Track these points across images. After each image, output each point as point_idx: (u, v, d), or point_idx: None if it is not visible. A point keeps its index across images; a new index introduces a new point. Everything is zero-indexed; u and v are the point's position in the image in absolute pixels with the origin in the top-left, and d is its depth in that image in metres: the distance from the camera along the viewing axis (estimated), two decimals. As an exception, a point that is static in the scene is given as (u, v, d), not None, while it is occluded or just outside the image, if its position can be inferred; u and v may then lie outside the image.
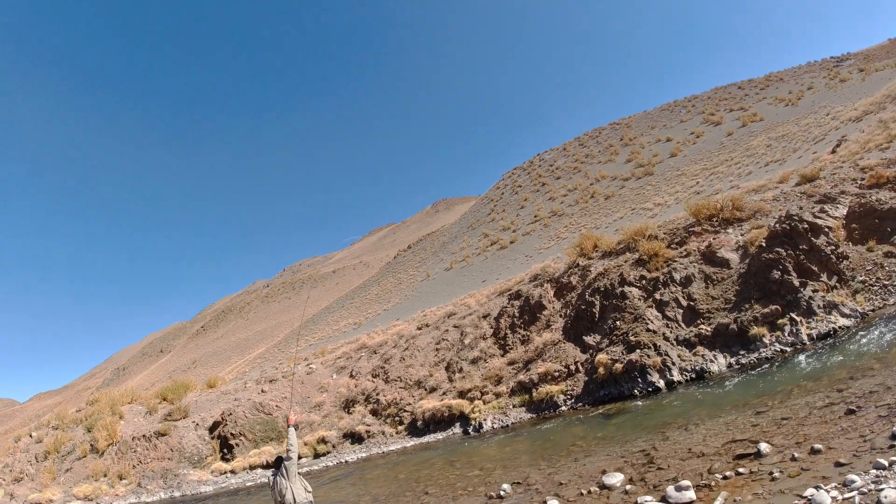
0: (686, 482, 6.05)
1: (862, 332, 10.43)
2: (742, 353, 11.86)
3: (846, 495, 4.68)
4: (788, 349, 11.21)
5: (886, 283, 11.81)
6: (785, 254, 12.50)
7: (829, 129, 29.73)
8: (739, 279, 13.19)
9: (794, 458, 5.92)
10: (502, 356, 16.73)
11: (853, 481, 4.86)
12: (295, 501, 5.82)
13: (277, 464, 6.11)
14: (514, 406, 14.54)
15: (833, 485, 4.97)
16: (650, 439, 8.60)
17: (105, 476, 17.37)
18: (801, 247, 12.55)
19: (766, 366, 10.91)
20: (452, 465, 11.30)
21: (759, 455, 6.35)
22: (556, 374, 14.41)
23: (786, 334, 11.52)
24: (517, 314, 17.61)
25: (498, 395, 15.20)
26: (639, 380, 12.45)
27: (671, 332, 13.20)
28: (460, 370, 17.28)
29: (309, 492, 6.01)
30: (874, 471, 4.96)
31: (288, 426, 6.42)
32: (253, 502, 13.12)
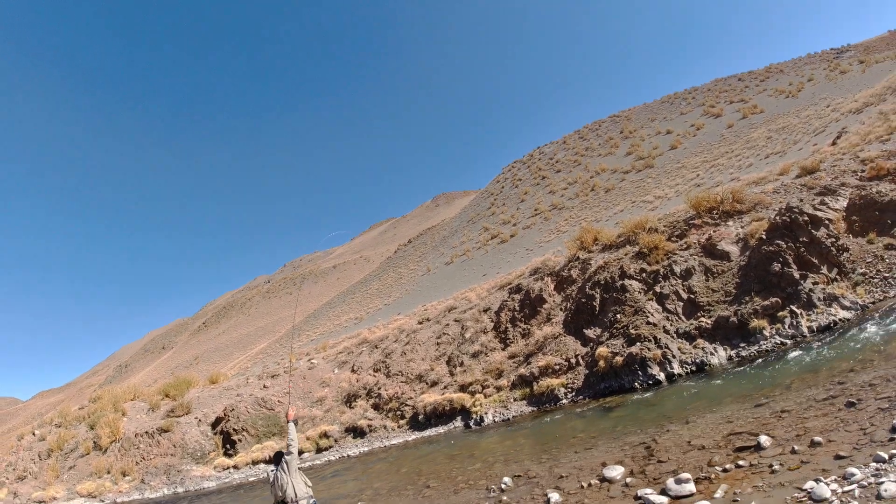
0: (686, 475, 6.07)
1: (862, 325, 10.42)
2: (742, 345, 11.86)
3: (846, 488, 4.70)
4: (789, 342, 11.22)
5: (887, 275, 11.79)
6: (785, 246, 12.48)
7: (830, 121, 29.62)
8: (740, 272, 13.18)
9: (794, 451, 5.93)
10: (503, 350, 16.75)
11: (853, 474, 4.87)
12: (296, 496, 5.84)
13: (277, 459, 6.12)
14: (514, 399, 14.58)
15: (833, 478, 4.98)
16: (650, 432, 8.63)
17: (108, 473, 17.46)
18: (801, 239, 12.53)
19: (767, 358, 10.93)
20: (454, 459, 11.35)
21: (759, 448, 6.37)
22: (557, 367, 14.44)
23: (786, 327, 11.52)
24: (518, 308, 17.62)
25: (499, 389, 15.23)
26: (639, 373, 12.47)
27: (671, 324, 13.21)
28: (461, 364, 17.31)
29: (309, 486, 6.04)
30: (874, 464, 4.97)
31: (288, 421, 6.45)
32: (256, 497, 13.18)
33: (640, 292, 14.26)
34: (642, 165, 43.42)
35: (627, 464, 7.43)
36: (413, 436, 15.53)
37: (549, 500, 6.99)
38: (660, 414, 9.67)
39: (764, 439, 6.46)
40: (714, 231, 14.65)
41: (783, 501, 4.90)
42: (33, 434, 20.34)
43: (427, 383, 17.47)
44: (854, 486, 4.68)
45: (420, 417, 16.07)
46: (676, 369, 12.15)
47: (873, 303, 11.31)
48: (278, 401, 19.37)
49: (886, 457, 4.98)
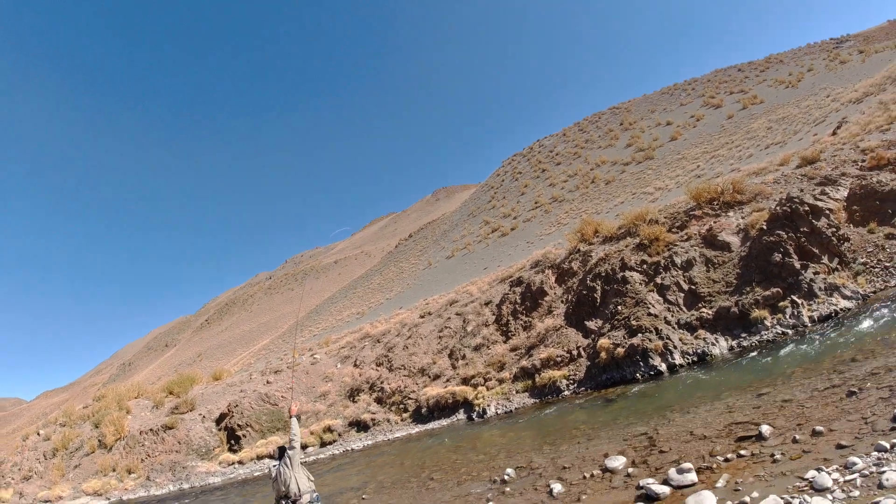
0: (688, 465, 6.10)
1: (863, 314, 10.43)
2: (743, 335, 11.88)
3: (848, 477, 4.72)
4: (790, 331, 11.23)
5: (888, 264, 11.79)
6: (786, 236, 12.47)
7: (830, 111, 29.49)
8: (740, 262, 13.18)
9: (795, 441, 5.95)
10: (505, 342, 16.79)
11: (854, 463, 4.89)
12: (299, 490, 5.87)
13: (280, 454, 6.15)
14: (517, 392, 14.63)
15: (834, 467, 5.00)
16: (652, 422, 8.66)
17: (114, 471, 17.56)
18: (801, 229, 12.52)
19: (768, 348, 10.94)
20: (457, 451, 11.41)
21: (760, 437, 6.39)
22: (559, 359, 14.48)
23: (787, 317, 11.53)
24: (519, 301, 17.64)
25: (501, 381, 15.28)
26: (641, 364, 12.50)
27: (672, 315, 13.22)
28: (463, 357, 17.36)
29: (311, 481, 6.07)
30: (875, 453, 4.98)
31: (290, 416, 6.47)
32: (261, 492, 13.26)
33: (641, 284, 14.27)
34: (642, 157, 43.30)
35: (629, 454, 7.47)
36: (416, 429, 15.60)
37: (551, 490, 7.03)
38: (661, 404, 9.70)
39: (765, 429, 6.48)
40: (715, 222, 14.63)
41: (785, 491, 4.92)
42: (38, 434, 20.44)
43: (429, 377, 17.53)
44: (856, 475, 4.70)
45: (423, 410, 16.14)
46: (678, 360, 12.17)
47: (874, 292, 11.31)
48: (282, 396, 19.46)
49: (888, 446, 5.00)
